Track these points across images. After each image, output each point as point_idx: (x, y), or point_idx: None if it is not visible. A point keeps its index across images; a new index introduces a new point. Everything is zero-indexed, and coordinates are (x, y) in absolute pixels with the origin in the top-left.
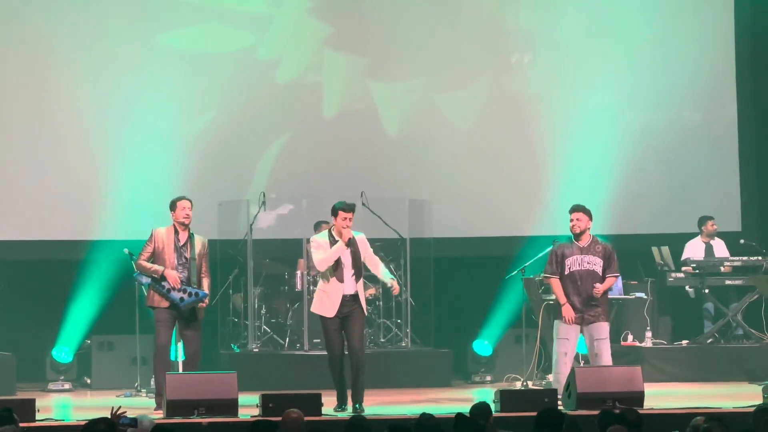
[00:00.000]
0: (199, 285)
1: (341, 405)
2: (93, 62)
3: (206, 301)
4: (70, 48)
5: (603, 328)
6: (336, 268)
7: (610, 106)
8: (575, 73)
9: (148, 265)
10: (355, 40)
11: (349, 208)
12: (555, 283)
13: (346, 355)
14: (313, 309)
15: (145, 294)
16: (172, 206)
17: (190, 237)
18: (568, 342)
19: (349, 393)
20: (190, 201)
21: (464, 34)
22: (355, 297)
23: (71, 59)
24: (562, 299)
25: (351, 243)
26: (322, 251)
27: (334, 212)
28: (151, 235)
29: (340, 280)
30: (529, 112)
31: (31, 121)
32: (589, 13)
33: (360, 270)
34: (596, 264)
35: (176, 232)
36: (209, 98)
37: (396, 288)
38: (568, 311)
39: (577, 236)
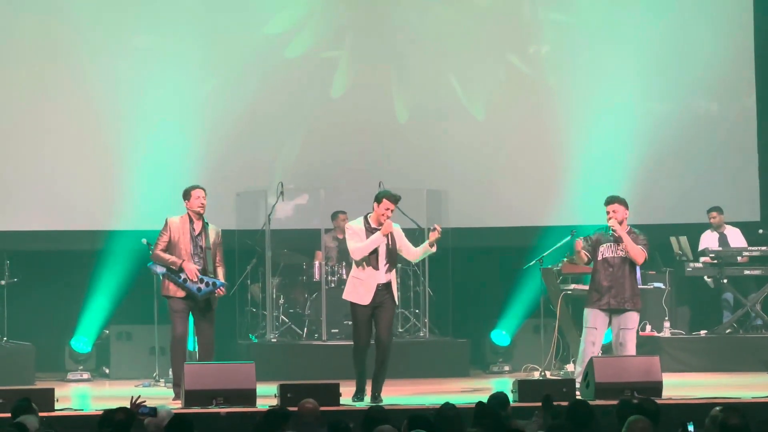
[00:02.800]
0: (215, 274)
1: (359, 395)
2: (109, 51)
3: (223, 289)
4: (84, 36)
5: (631, 318)
6: (371, 255)
7: (628, 96)
8: (592, 64)
9: (166, 256)
10: (371, 33)
11: (395, 198)
12: (582, 253)
13: (371, 345)
14: (345, 296)
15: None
16: (186, 195)
17: (205, 226)
18: (596, 331)
19: (368, 383)
20: (204, 189)
21: (482, 25)
22: (387, 286)
23: (86, 48)
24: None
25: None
26: (357, 239)
27: (378, 199)
28: (166, 223)
29: (375, 267)
30: (546, 102)
31: (47, 112)
32: (607, 2)
33: (394, 260)
34: None
35: (191, 221)
36: (227, 88)
37: (434, 231)
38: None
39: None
